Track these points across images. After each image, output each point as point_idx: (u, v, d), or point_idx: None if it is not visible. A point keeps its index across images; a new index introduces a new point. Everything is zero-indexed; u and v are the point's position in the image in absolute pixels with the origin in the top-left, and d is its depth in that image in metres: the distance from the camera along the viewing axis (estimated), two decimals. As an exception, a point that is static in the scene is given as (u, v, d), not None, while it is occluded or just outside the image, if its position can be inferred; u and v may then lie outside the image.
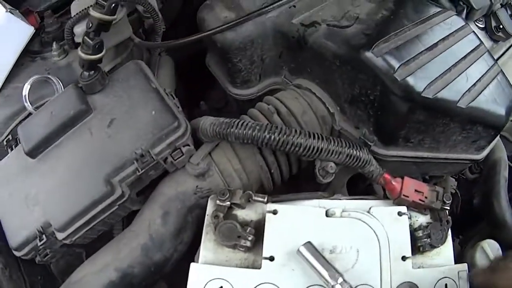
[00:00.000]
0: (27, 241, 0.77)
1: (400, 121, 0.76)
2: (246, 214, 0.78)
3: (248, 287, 0.71)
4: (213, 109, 1.14)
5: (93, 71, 0.78)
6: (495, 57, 1.06)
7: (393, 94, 0.73)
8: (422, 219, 0.83)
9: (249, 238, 0.73)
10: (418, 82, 0.74)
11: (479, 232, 1.02)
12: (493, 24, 1.06)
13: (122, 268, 0.77)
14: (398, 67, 0.72)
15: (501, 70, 0.86)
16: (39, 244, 0.76)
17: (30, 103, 0.86)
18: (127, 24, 0.87)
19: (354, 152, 0.75)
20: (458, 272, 0.79)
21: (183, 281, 0.72)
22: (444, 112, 0.76)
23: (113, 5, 0.71)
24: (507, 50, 1.12)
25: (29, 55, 0.93)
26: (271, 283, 0.72)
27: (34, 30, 0.90)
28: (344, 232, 0.76)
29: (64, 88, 0.86)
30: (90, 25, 0.73)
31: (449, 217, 0.82)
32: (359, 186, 0.99)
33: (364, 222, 0.77)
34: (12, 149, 0.85)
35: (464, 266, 0.79)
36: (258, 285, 0.72)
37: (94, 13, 0.71)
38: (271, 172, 0.80)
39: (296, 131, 0.73)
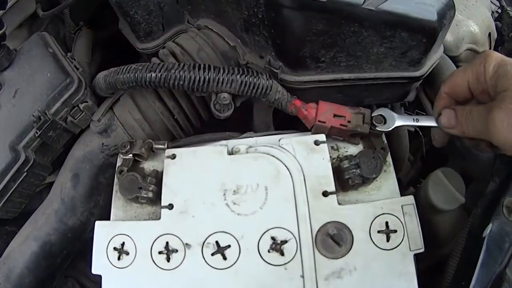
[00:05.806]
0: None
1: (296, 36, 0.65)
2: (152, 165, 0.73)
3: (149, 240, 0.66)
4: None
5: (-2, 49, 0.80)
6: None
7: (277, 4, 0.63)
8: (352, 150, 0.72)
9: (150, 188, 0.68)
10: None
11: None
12: None
13: (41, 237, 0.76)
14: None
15: None
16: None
17: None
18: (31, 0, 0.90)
19: (250, 79, 0.67)
20: (402, 207, 0.66)
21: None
22: (348, 16, 0.64)
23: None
24: None
25: None
26: (171, 234, 0.65)
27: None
28: (249, 169, 0.67)
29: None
30: (-17, 5, 0.76)
31: (385, 143, 0.70)
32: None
33: (272, 155, 0.68)
34: None
35: (409, 199, 0.66)
36: (158, 237, 0.66)
37: None
38: (175, 118, 0.75)
39: (179, 65, 0.67)
